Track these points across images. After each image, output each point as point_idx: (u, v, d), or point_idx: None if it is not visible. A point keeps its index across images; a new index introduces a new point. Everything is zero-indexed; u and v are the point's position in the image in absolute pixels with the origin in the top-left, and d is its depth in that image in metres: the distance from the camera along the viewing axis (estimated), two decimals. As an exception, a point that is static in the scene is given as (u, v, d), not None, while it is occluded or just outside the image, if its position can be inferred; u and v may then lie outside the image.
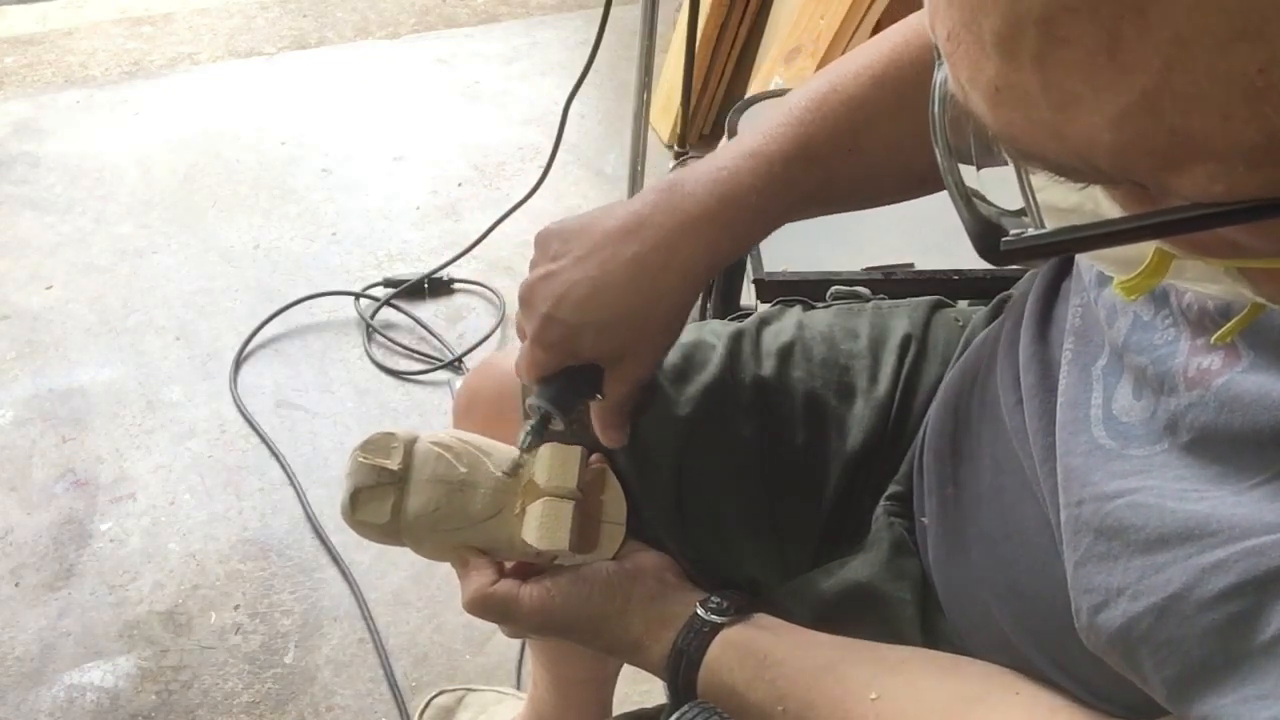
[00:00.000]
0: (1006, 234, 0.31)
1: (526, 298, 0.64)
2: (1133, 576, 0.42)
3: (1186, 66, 0.24)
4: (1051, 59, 0.26)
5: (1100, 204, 0.32)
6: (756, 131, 0.63)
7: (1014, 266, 0.96)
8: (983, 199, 0.32)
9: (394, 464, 0.65)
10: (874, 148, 0.63)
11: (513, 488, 0.66)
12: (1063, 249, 0.30)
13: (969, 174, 0.33)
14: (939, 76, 0.32)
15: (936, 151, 0.34)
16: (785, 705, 0.58)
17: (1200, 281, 0.34)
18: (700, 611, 0.63)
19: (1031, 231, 0.31)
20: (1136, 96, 0.25)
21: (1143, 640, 0.41)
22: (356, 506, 0.65)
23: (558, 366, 0.64)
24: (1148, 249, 0.32)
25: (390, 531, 0.66)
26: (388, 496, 0.65)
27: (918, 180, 0.66)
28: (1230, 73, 0.24)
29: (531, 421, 0.65)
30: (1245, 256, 0.30)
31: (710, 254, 0.62)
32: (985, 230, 0.31)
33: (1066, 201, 0.32)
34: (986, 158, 0.34)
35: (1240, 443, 0.40)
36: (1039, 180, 0.32)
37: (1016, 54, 0.26)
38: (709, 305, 1.08)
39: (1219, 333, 0.40)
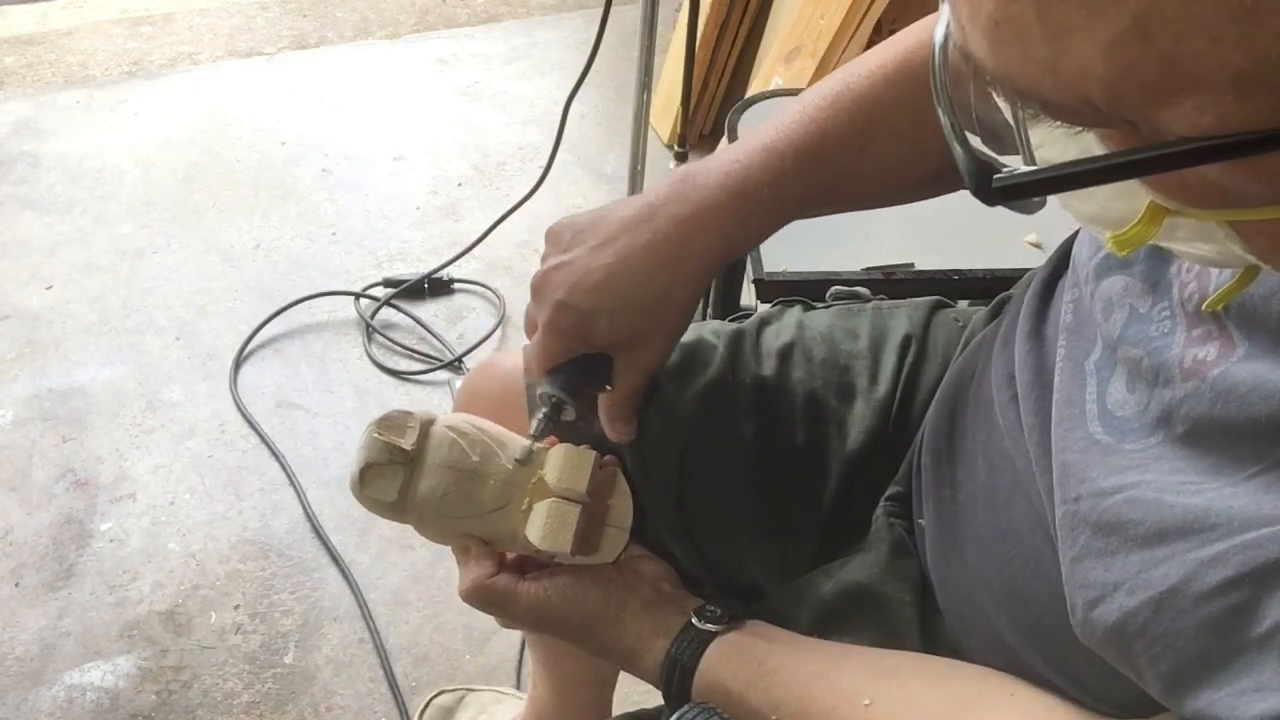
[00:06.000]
0: (999, 172, 0.31)
1: (539, 286, 0.64)
2: (1130, 571, 0.42)
3: None
4: None
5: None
6: (769, 127, 0.64)
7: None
8: (980, 148, 0.33)
9: (407, 444, 0.64)
10: (884, 146, 0.63)
11: (522, 482, 0.66)
12: (1054, 186, 0.31)
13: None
14: (939, 28, 0.33)
15: (935, 101, 0.34)
16: (779, 714, 0.58)
17: (1192, 241, 0.34)
18: (695, 620, 0.63)
19: (1023, 168, 0.31)
20: (1128, 22, 0.25)
21: (1139, 634, 0.41)
22: (365, 482, 0.64)
23: (569, 355, 0.64)
24: (1142, 206, 0.33)
25: (396, 510, 0.66)
26: (397, 476, 0.64)
27: (928, 179, 0.66)
28: None
29: (544, 409, 0.65)
30: (1235, 206, 0.30)
31: (723, 244, 0.62)
32: (979, 169, 0.32)
33: (1063, 157, 0.33)
34: (985, 110, 0.34)
35: (1236, 433, 0.40)
36: (1036, 137, 0.32)
37: None
38: (709, 305, 1.08)
39: (1210, 299, 0.40)
